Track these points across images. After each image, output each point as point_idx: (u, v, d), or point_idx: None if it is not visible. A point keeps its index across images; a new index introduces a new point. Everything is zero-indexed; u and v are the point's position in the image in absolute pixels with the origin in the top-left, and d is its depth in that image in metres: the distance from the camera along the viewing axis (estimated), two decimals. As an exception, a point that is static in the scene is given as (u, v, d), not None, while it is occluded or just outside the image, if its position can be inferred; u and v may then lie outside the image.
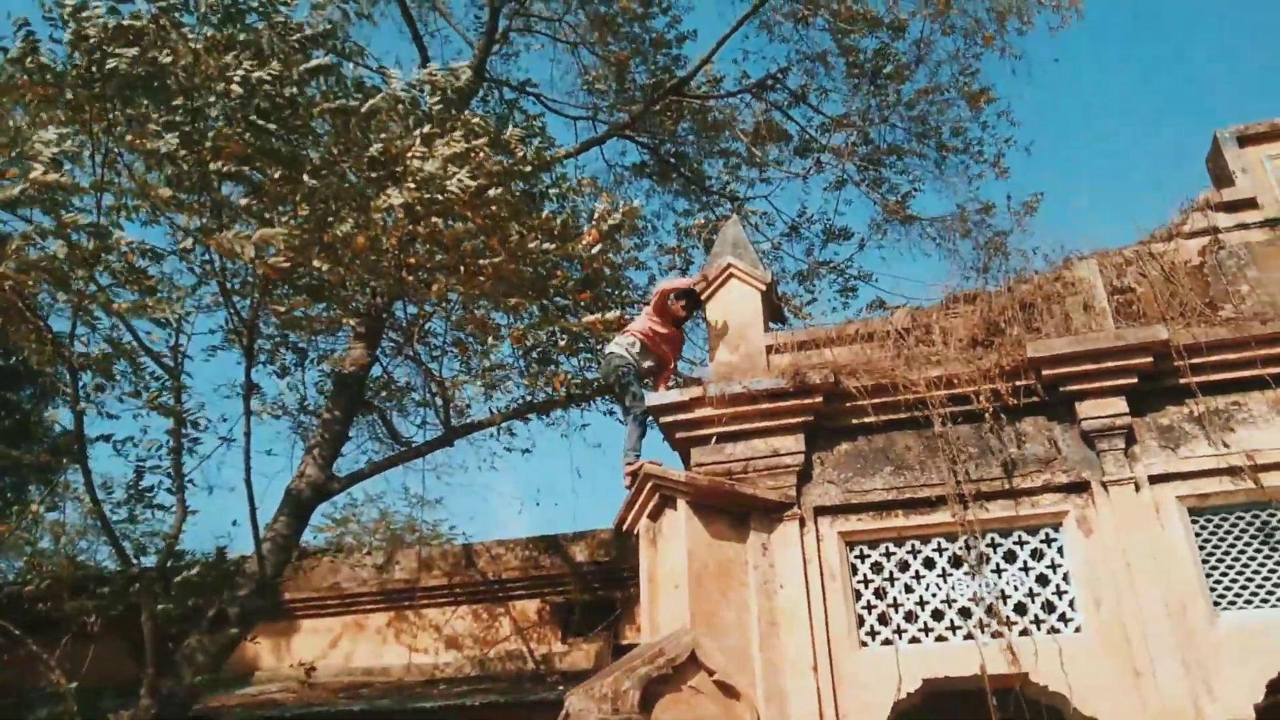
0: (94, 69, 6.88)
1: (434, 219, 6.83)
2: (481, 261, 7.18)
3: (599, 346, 9.79)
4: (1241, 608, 5.85)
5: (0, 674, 8.62)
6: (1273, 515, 6.00)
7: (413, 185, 6.64)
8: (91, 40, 6.93)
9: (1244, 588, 5.89)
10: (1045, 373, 6.36)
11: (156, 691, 8.09)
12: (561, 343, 9.77)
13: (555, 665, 10.75)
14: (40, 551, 8.87)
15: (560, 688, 9.23)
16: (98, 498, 8.38)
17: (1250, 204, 6.79)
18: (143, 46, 6.80)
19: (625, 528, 7.14)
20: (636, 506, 6.85)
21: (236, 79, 6.95)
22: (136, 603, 8.13)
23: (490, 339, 8.86)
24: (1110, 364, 6.25)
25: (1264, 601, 5.84)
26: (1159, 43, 33.12)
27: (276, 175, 7.02)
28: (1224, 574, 5.94)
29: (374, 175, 7.00)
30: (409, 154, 6.78)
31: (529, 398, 10.35)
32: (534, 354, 9.98)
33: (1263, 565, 5.91)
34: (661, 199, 14.15)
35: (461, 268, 7.27)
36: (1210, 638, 5.70)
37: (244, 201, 7.13)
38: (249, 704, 10.33)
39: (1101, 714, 5.68)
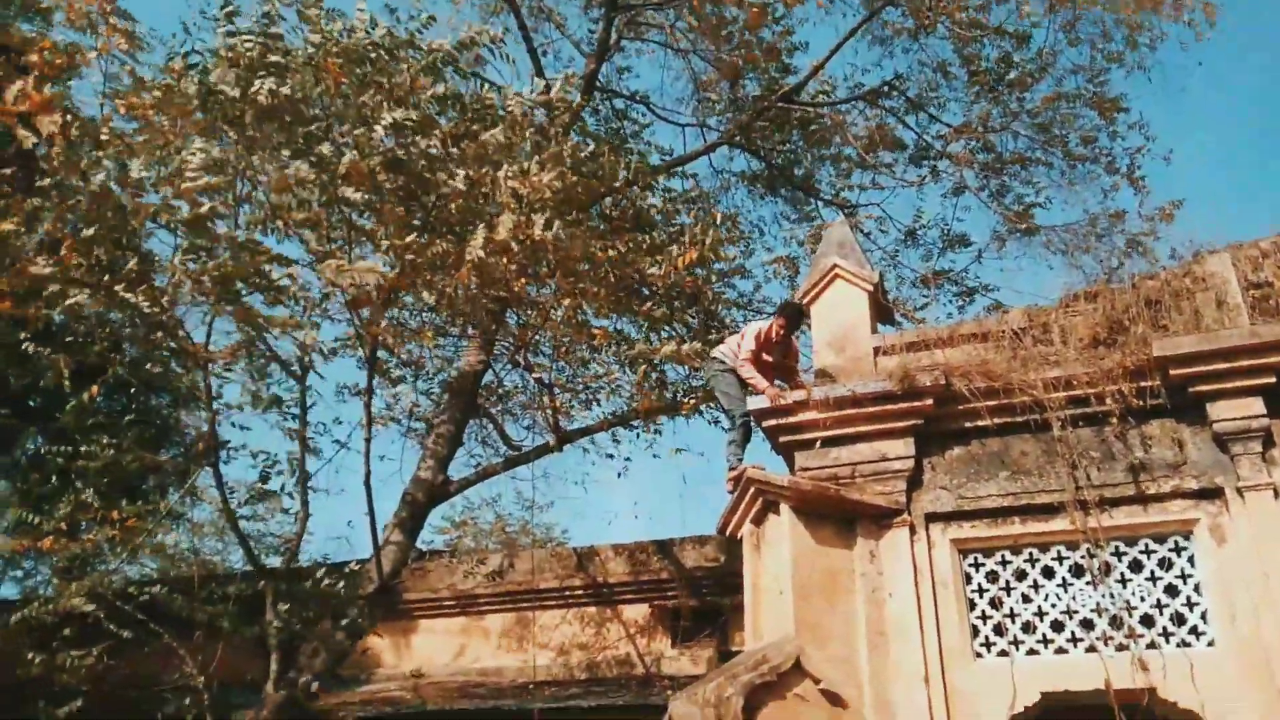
0: (241, 94, 7.25)
1: (529, 240, 6.95)
2: (578, 285, 7.28)
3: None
4: (1397, 624, 5.41)
5: (136, 666, 9.13)
6: None
7: (502, 230, 6.77)
8: (241, 67, 7.30)
9: (1400, 603, 5.44)
10: (1173, 372, 6.02)
11: (280, 689, 8.42)
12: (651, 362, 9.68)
13: (664, 670, 10.72)
14: (173, 553, 9.36)
15: (669, 693, 9.21)
16: (228, 500, 8.80)
17: (1403, 188, 6.29)
18: (284, 76, 7.13)
19: (728, 533, 7.08)
20: (739, 511, 6.78)
21: (384, 122, 7.19)
22: (262, 603, 8.47)
23: (589, 348, 8.93)
24: (1245, 363, 5.87)
25: None
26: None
27: (398, 209, 7.26)
28: (1377, 588, 5.50)
29: (472, 205, 7.19)
30: (506, 182, 6.92)
31: (633, 404, 10.39)
32: (637, 364, 10.00)
33: None
34: (770, 206, 14.02)
35: (558, 278, 7.39)
36: (1361, 656, 5.29)
37: (361, 224, 7.38)
38: (369, 701, 10.64)
39: (1238, 734, 5.34)
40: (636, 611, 11.35)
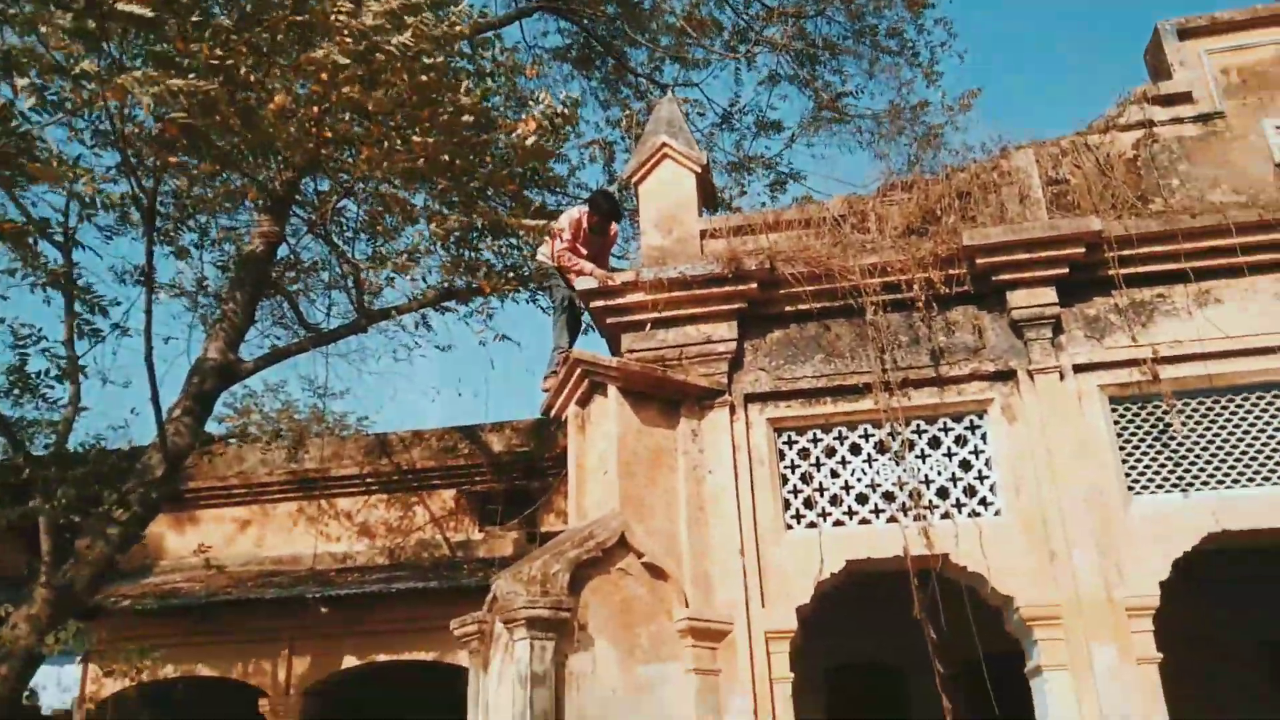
0: None
1: (359, 86, 6.29)
2: (414, 138, 6.68)
3: (523, 236, 9.42)
4: (1153, 493, 6.04)
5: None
6: (1187, 404, 6.17)
7: (348, 39, 6.11)
8: None
9: (1156, 474, 6.07)
10: (979, 262, 6.34)
11: (51, 584, 7.72)
12: (479, 233, 9.26)
13: (473, 553, 10.69)
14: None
15: (479, 574, 9.18)
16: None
17: (1185, 98, 6.78)
18: None
19: (553, 414, 7.00)
20: (565, 393, 6.69)
21: None
22: (31, 494, 7.68)
23: (406, 221, 8.35)
24: (1043, 254, 6.26)
25: (1174, 486, 6.04)
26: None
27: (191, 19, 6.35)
28: (1138, 460, 6.11)
29: (293, 33, 6.43)
30: (335, 8, 6.22)
31: (447, 285, 9.94)
32: (452, 240, 9.51)
33: (1174, 452, 6.09)
34: (584, 85, 13.60)
35: (385, 142, 6.77)
36: (1124, 523, 5.89)
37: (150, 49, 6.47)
38: (152, 593, 10.02)
39: (1017, 593, 5.86)
40: (443, 497, 11.20)
